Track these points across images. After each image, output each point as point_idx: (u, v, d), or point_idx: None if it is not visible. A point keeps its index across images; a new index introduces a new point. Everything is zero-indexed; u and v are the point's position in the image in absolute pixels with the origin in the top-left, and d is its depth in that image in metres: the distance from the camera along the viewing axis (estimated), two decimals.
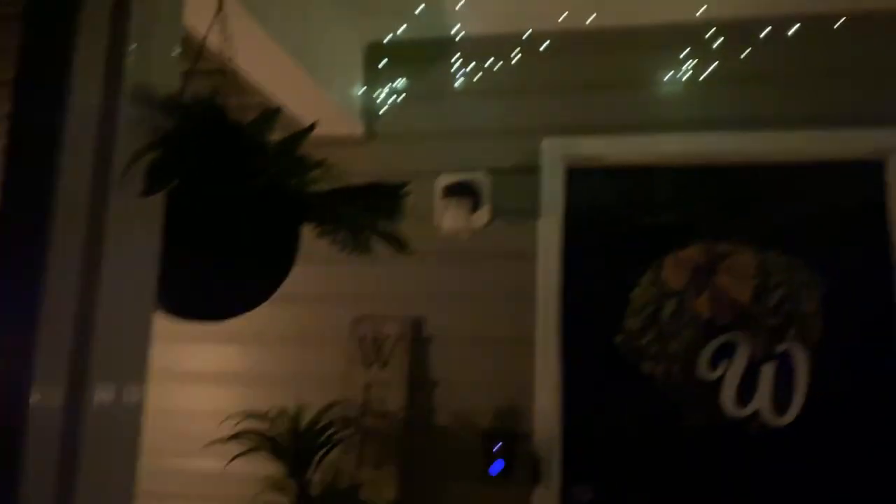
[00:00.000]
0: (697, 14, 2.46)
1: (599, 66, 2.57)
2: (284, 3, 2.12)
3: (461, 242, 2.48)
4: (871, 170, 2.42)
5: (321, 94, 2.39)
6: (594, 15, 2.48)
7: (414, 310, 2.55)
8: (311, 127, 1.40)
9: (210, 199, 1.25)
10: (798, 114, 2.42)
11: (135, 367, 1.22)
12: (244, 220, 1.29)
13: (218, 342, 2.62)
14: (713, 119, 2.47)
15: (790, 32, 2.43)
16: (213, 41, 1.59)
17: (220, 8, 1.64)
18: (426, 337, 2.53)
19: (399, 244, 1.64)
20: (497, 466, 2.28)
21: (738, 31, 2.47)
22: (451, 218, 2.43)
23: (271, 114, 1.34)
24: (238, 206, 1.27)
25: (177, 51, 1.36)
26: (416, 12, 2.51)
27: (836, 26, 2.41)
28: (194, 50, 1.56)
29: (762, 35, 2.45)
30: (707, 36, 2.48)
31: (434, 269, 2.55)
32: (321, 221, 1.42)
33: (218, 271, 1.31)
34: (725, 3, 2.42)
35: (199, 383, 2.63)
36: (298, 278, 1.42)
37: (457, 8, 2.50)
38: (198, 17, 1.56)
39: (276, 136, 1.35)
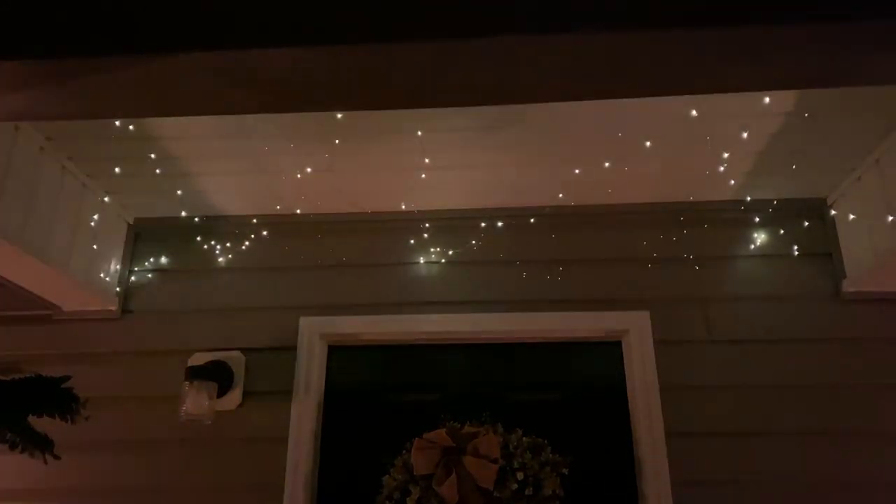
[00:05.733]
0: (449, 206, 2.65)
1: (354, 248, 2.65)
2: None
3: (204, 428, 2.35)
4: (610, 349, 2.56)
5: (64, 275, 2.31)
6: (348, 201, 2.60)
7: None
8: None
9: None
10: (543, 296, 2.55)
11: None
12: None
13: None
14: (466, 299, 2.57)
15: (532, 221, 2.64)
16: None
17: None
18: None
19: (44, 445, 1.53)
20: None
21: (485, 219, 2.65)
22: (191, 402, 2.31)
23: None
24: None
25: None
26: (178, 193, 2.54)
27: (576, 218, 2.64)
28: None
29: (502, 224, 2.63)
30: (457, 223, 2.65)
31: (172, 456, 2.39)
32: None
33: None
34: (472, 197, 2.61)
35: None
36: None
37: (215, 190, 2.56)
38: None
39: None
